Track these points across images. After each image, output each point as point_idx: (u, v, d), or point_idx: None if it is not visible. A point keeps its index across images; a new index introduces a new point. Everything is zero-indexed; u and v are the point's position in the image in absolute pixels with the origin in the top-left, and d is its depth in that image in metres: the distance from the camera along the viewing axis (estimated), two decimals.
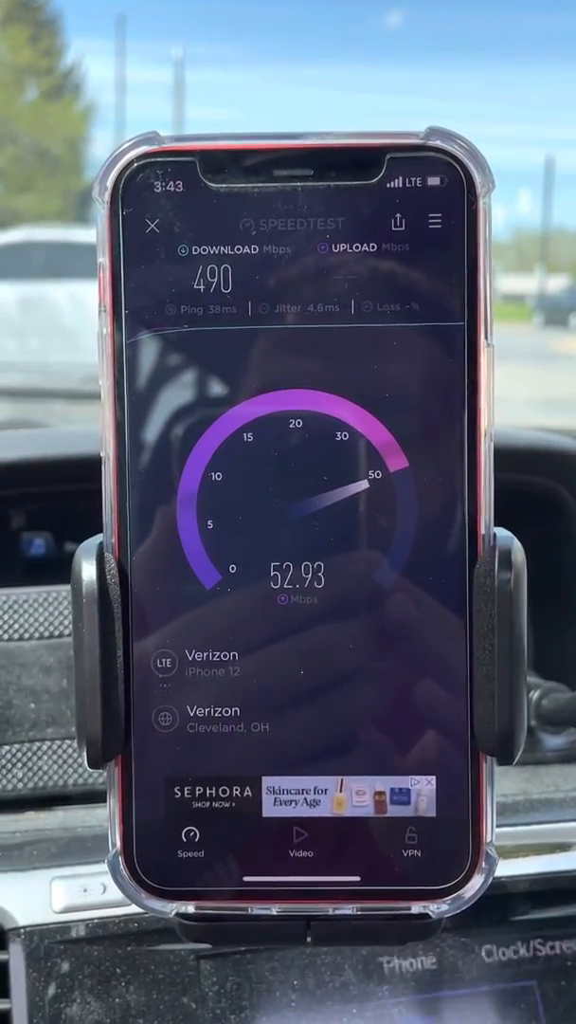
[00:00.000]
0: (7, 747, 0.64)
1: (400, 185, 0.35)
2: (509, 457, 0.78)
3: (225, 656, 0.36)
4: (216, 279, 0.35)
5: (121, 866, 0.36)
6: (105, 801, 0.37)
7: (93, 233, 0.36)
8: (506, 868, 0.56)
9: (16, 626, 0.65)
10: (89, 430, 0.87)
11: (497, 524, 0.36)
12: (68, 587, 0.66)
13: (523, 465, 0.80)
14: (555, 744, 0.70)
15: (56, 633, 0.65)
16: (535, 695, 0.69)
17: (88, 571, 0.35)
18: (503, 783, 0.62)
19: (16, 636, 0.65)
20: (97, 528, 0.36)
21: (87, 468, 0.71)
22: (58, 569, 0.76)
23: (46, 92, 16.83)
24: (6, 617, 0.65)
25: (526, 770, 0.66)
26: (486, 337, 0.35)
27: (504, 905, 0.56)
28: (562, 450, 0.81)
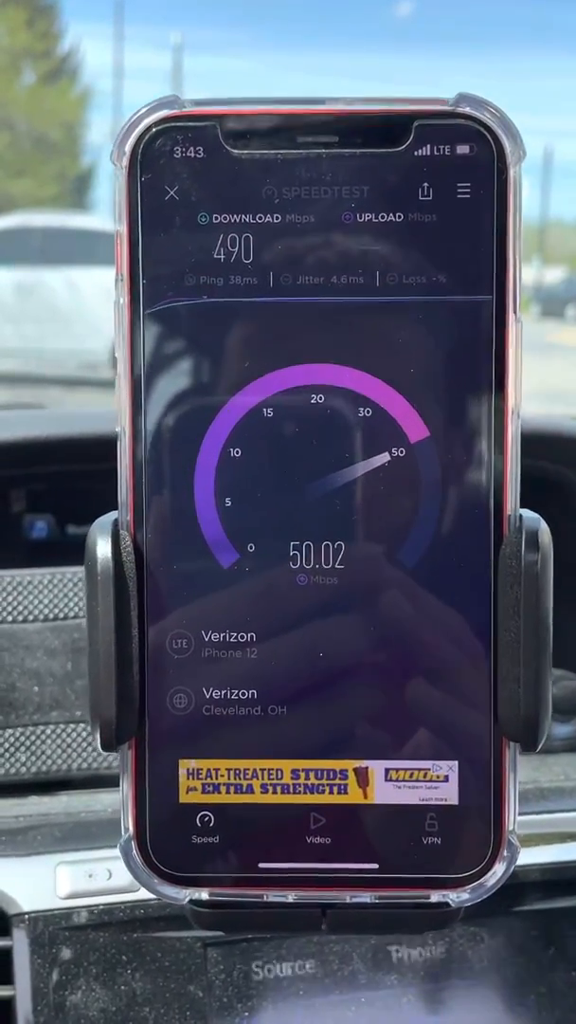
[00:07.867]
0: (10, 731, 0.63)
1: (428, 153, 0.34)
2: None
3: (242, 637, 0.35)
4: (237, 249, 0.34)
5: (134, 851, 0.35)
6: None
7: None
8: None
9: (20, 608, 0.64)
10: (90, 412, 0.86)
11: None
12: (73, 569, 0.65)
13: (530, 450, 0.79)
14: (563, 732, 0.69)
15: (61, 615, 0.64)
16: None
17: (103, 548, 0.34)
18: None
19: (20, 618, 0.64)
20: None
21: (90, 449, 0.70)
22: (60, 552, 0.75)
23: (43, 76, 16.73)
24: (10, 599, 0.64)
25: (535, 758, 0.65)
26: (515, 312, 0.34)
27: (514, 894, 0.56)
28: (569, 434, 0.80)
